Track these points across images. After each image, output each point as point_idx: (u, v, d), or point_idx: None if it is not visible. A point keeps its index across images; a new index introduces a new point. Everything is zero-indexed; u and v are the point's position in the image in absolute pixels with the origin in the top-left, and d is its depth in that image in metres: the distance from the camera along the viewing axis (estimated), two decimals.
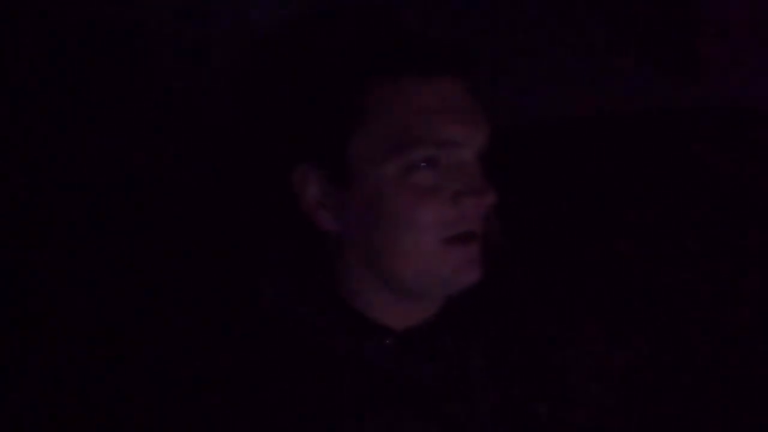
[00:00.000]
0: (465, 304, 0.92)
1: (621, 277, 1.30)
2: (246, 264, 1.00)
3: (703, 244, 1.30)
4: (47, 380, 1.18)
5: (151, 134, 1.23)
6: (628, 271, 1.30)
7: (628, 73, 1.32)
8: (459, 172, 0.84)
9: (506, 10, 1.26)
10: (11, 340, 1.20)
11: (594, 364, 0.98)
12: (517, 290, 0.98)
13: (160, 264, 1.22)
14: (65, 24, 1.20)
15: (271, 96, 0.94)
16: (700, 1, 1.25)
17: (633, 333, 1.24)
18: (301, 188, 0.87)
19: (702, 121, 1.31)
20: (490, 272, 0.90)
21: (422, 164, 0.83)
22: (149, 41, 1.21)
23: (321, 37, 0.92)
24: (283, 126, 0.91)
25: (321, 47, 0.89)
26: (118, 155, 1.22)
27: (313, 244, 0.90)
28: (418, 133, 0.82)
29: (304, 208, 0.87)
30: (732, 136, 1.32)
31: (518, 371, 0.93)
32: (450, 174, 0.84)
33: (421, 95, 0.84)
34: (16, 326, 1.21)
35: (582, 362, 0.97)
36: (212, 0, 1.26)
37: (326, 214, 0.87)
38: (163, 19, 1.23)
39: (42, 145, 1.22)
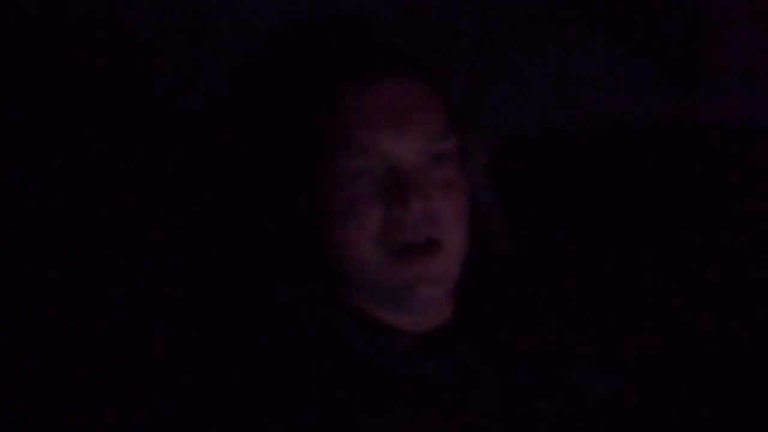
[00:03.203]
0: (475, 307, 0.92)
1: (623, 279, 1.30)
2: (257, 263, 1.01)
3: (701, 250, 1.31)
4: (56, 385, 1.18)
5: (154, 137, 1.23)
6: (629, 273, 1.30)
7: (629, 83, 1.32)
8: (393, 179, 0.83)
9: (503, 18, 1.27)
10: (13, 340, 1.20)
11: (597, 363, 0.99)
12: (521, 292, 0.99)
13: (171, 269, 1.22)
14: (64, 22, 1.20)
15: (244, 110, 0.96)
16: (703, 13, 1.24)
17: (636, 334, 1.25)
18: (294, 198, 0.90)
19: (703, 134, 1.32)
20: (498, 273, 0.91)
21: (353, 173, 0.83)
22: (147, 44, 1.21)
23: (264, 60, 0.97)
24: (264, 143, 0.93)
25: (265, 70, 0.92)
26: (120, 156, 1.22)
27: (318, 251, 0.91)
28: (347, 142, 0.83)
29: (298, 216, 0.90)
30: (733, 149, 1.33)
31: (523, 370, 0.93)
32: (383, 182, 0.83)
33: (351, 105, 0.84)
34: (17, 326, 1.20)
35: (585, 362, 0.98)
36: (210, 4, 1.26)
37: (314, 225, 0.89)
38: (163, 21, 1.23)
39: (42, 145, 1.22)
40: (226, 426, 0.84)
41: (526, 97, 1.29)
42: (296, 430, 0.83)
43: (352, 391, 0.85)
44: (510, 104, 1.29)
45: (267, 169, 0.91)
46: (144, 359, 1.17)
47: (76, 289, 1.22)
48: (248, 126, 0.96)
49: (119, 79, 1.22)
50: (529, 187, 1.31)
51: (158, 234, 1.23)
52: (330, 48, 0.93)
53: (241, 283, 1.07)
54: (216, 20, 1.20)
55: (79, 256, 1.22)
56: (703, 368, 1.26)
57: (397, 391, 0.85)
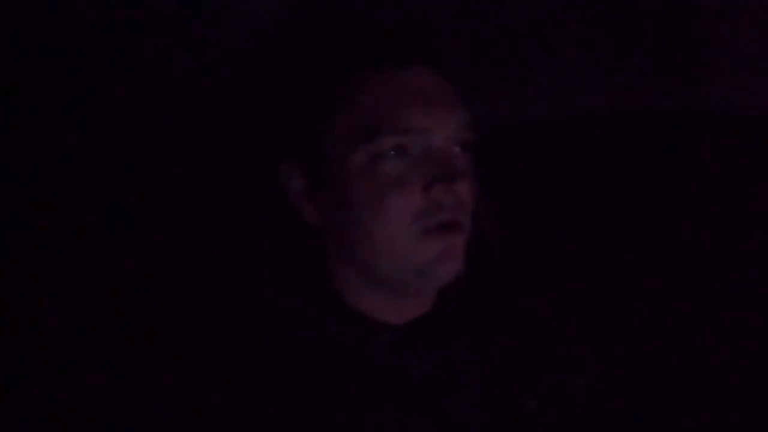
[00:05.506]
0: (457, 300, 0.91)
1: (606, 277, 1.30)
2: (243, 259, 1.00)
3: (690, 246, 1.31)
4: (55, 385, 1.18)
5: (150, 133, 1.23)
6: (613, 271, 1.30)
7: (629, 73, 1.31)
8: (429, 160, 0.83)
9: (492, 8, 1.26)
10: (13, 340, 1.20)
11: (581, 361, 0.98)
12: (507, 287, 0.98)
13: (156, 262, 1.22)
14: (64, 21, 1.21)
15: (254, 95, 0.96)
16: (702, 5, 1.23)
17: (615, 332, 1.24)
18: (287, 182, 0.89)
19: (701, 124, 1.31)
20: (482, 268, 0.90)
21: (390, 153, 0.82)
22: (144, 40, 1.21)
23: (290, 40, 0.96)
24: (266, 124, 0.92)
25: (290, 49, 0.92)
26: (116, 153, 1.23)
27: (305, 237, 0.90)
28: (384, 121, 0.82)
29: (291, 201, 0.89)
30: (731, 138, 1.31)
31: (508, 366, 0.93)
32: (420, 163, 0.83)
33: (387, 86, 0.84)
34: (17, 326, 1.21)
35: (569, 359, 0.97)
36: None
37: (310, 208, 0.88)
38: (162, 18, 1.23)
39: (36, 143, 1.22)
40: (212, 418, 0.84)
41: (519, 86, 1.29)
42: (279, 425, 0.83)
43: (334, 386, 0.85)
44: (502, 94, 1.29)
45: (287, 155, 0.89)
46: (135, 351, 1.17)
47: (70, 287, 1.22)
48: (273, 111, 0.94)
49: (120, 79, 1.23)
50: (516, 179, 1.31)
51: (159, 232, 1.23)
52: (361, 32, 0.93)
53: (231, 279, 1.06)
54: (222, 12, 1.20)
55: (79, 256, 1.23)
56: (687, 366, 1.25)
57: (379, 385, 0.86)
